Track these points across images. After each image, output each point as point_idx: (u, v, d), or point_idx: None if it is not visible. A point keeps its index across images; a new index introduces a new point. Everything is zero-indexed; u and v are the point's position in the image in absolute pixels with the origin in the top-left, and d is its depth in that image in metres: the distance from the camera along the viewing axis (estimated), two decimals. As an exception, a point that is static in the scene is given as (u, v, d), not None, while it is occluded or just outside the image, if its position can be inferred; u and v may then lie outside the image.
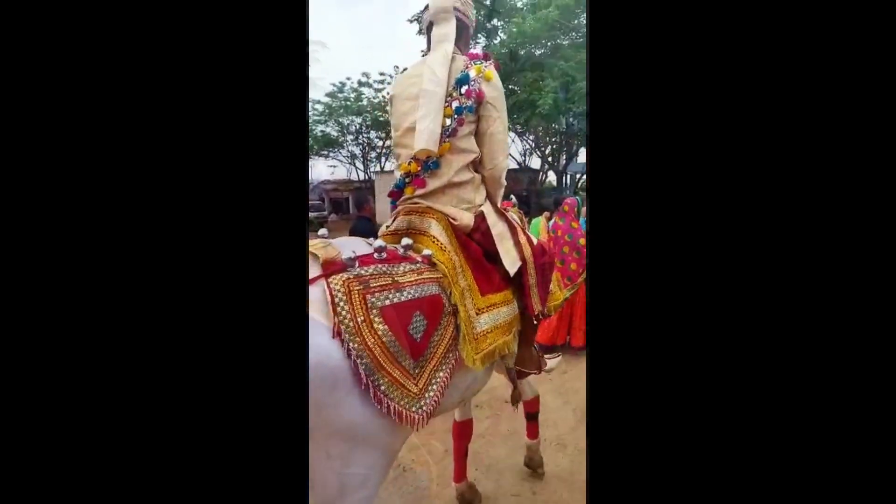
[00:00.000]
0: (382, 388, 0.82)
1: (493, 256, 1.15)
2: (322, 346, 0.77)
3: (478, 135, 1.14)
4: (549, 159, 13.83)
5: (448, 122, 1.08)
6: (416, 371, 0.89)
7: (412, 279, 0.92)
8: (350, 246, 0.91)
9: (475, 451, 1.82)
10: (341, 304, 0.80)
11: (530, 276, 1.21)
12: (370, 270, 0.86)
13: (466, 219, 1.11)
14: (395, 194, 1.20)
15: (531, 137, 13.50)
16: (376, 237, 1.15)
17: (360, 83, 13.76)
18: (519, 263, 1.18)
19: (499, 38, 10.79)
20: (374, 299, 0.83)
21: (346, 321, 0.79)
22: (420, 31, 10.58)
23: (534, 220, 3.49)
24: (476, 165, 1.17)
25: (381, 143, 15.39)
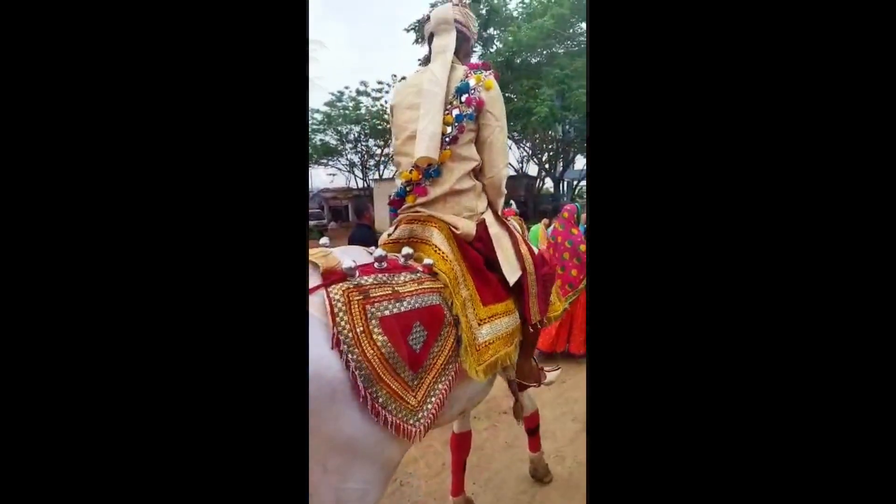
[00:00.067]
0: (381, 400, 0.81)
1: (495, 265, 1.14)
2: (321, 356, 0.76)
3: (478, 143, 1.15)
4: (546, 166, 13.92)
5: (449, 129, 1.08)
6: (415, 383, 0.87)
7: (412, 289, 0.90)
8: (350, 255, 0.90)
9: (473, 464, 1.79)
10: (340, 314, 0.79)
11: (530, 285, 1.20)
12: (370, 280, 0.85)
13: (468, 227, 1.11)
14: (396, 203, 1.20)
15: (528, 145, 13.60)
16: (376, 245, 1.15)
17: (359, 92, 13.90)
18: (519, 273, 1.17)
19: (494, 47, 10.92)
20: (373, 309, 0.82)
21: (346, 331, 0.78)
22: (416, 41, 10.72)
23: (533, 228, 3.49)
24: (477, 173, 1.18)
25: (379, 152, 15.48)
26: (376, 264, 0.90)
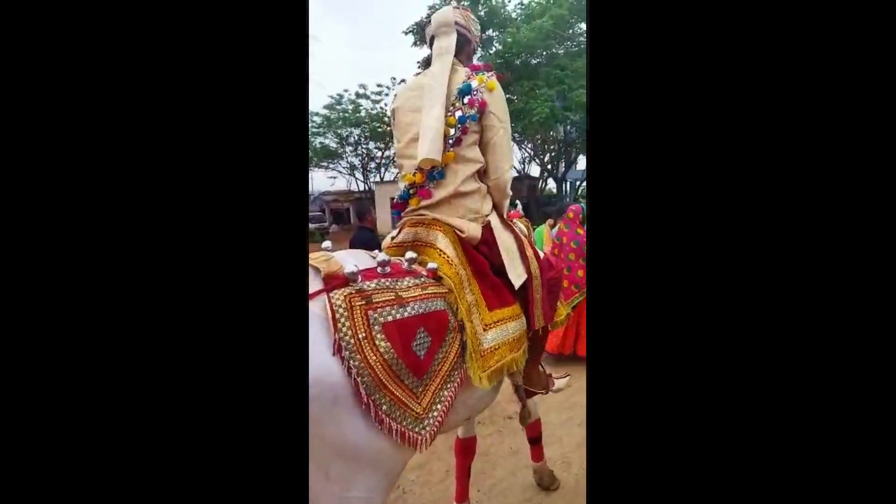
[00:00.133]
0: (384, 407, 0.79)
1: (501, 270, 1.12)
2: (322, 363, 0.74)
3: (481, 145, 1.14)
4: (549, 167, 13.92)
5: (452, 131, 1.07)
6: (420, 390, 0.86)
7: (416, 294, 0.89)
8: (353, 259, 0.89)
9: (477, 471, 1.75)
10: (342, 319, 0.77)
11: (535, 290, 1.18)
12: (373, 285, 0.84)
13: (474, 230, 1.09)
14: (400, 205, 1.18)
15: (529, 146, 13.60)
16: (379, 248, 1.13)
17: (358, 95, 13.95)
18: (524, 277, 1.15)
19: (494, 49, 10.94)
20: (376, 315, 0.81)
21: (347, 337, 0.77)
22: (415, 43, 10.75)
23: (537, 229, 3.47)
24: (481, 175, 1.16)
25: (380, 154, 15.51)
26: (379, 269, 0.88)
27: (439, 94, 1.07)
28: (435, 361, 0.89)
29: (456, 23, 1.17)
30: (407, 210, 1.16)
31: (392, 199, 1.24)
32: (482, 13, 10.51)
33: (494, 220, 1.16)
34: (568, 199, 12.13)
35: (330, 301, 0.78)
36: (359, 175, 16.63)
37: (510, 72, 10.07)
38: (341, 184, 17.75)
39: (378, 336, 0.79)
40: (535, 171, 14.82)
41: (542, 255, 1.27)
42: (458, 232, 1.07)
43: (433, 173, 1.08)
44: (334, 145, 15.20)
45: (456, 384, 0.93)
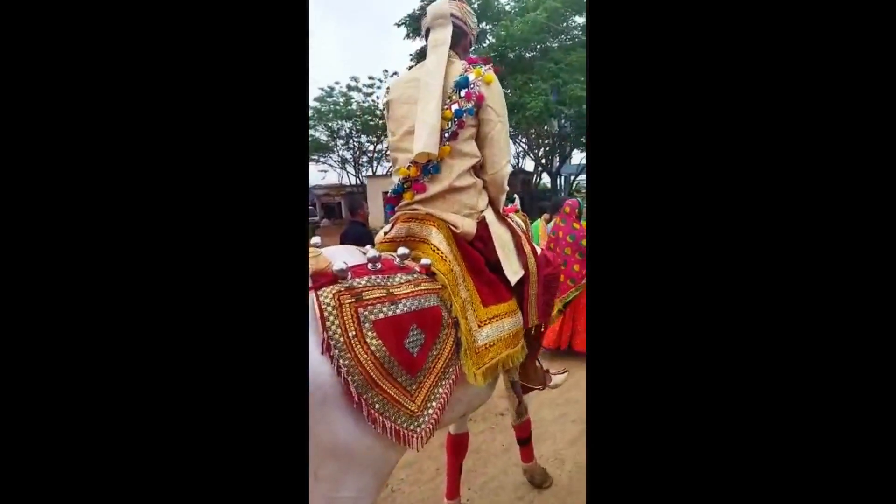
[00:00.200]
0: (377, 406, 0.78)
1: (497, 266, 1.11)
2: (311, 362, 0.72)
3: (478, 139, 1.11)
4: (543, 161, 13.92)
5: (448, 125, 1.05)
6: (414, 387, 0.85)
7: (408, 291, 0.87)
8: (342, 255, 0.87)
9: (469, 468, 1.73)
10: (331, 317, 0.75)
11: (531, 286, 1.17)
12: (363, 282, 0.82)
13: (468, 226, 1.07)
14: (394, 199, 1.16)
15: (523, 140, 13.58)
16: (371, 243, 1.11)
17: (349, 87, 13.76)
18: (521, 273, 1.14)
19: (487, 42, 10.85)
20: (366, 312, 0.79)
21: (336, 336, 0.75)
22: (408, 36, 10.62)
23: (533, 224, 3.47)
24: (477, 170, 1.14)
25: (372, 148, 15.37)
26: (370, 265, 0.86)
27: (436, 86, 1.04)
28: (429, 358, 0.88)
29: (452, 14, 1.14)
30: (401, 204, 1.14)
31: (385, 193, 1.21)
32: (476, 6, 10.40)
33: (490, 216, 1.14)
34: (563, 194, 12.17)
35: (318, 299, 0.76)
36: (350, 169, 16.49)
37: (504, 65, 10.01)
38: (332, 178, 17.59)
39: (369, 334, 0.78)
40: (529, 165, 14.82)
41: (539, 250, 1.26)
42: (452, 227, 1.05)
43: (428, 167, 1.06)
44: (325, 138, 15.00)
45: (451, 381, 0.92)
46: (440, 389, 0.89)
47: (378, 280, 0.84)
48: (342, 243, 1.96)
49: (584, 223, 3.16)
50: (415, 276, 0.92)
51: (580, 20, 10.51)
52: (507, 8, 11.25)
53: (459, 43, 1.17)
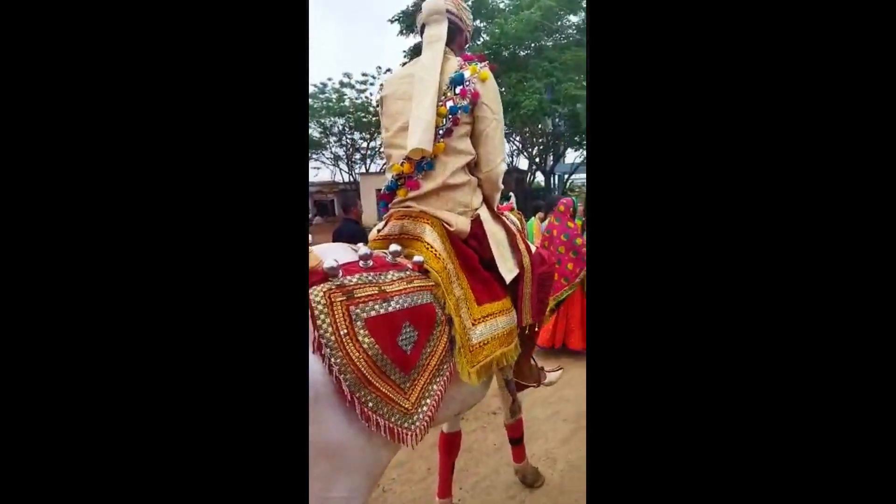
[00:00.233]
0: (370, 404, 0.77)
1: (491, 264, 1.10)
2: (302, 361, 0.72)
3: (473, 136, 1.11)
4: (537, 160, 13.95)
5: (443, 121, 1.04)
6: (408, 385, 0.84)
7: (401, 288, 0.86)
8: (333, 254, 0.86)
9: (460, 468, 1.71)
10: (322, 316, 0.74)
11: (526, 285, 1.16)
12: (354, 280, 0.81)
13: (462, 224, 1.06)
14: (387, 196, 1.15)
15: (518, 139, 13.59)
16: (364, 240, 1.10)
17: (342, 84, 13.66)
18: (516, 271, 1.14)
19: (482, 40, 10.83)
20: (358, 310, 0.78)
21: (328, 335, 0.74)
22: (401, 32, 10.56)
23: (528, 222, 3.47)
24: (472, 168, 1.13)
25: (365, 145, 15.28)
26: (361, 263, 0.85)
27: (430, 82, 1.03)
28: (423, 356, 0.87)
29: (447, 10, 1.13)
30: (394, 201, 1.13)
31: (378, 190, 1.20)
32: (470, 3, 10.37)
33: (484, 214, 1.13)
34: (556, 193, 12.21)
35: (309, 297, 0.75)
36: (343, 166, 16.38)
37: (498, 64, 9.99)
38: (325, 175, 17.46)
39: (361, 332, 0.77)
40: (523, 164, 14.85)
41: (533, 248, 1.26)
42: (446, 225, 1.04)
43: (422, 164, 1.05)
44: (317, 135, 14.88)
45: (446, 377, 0.92)
46: (435, 387, 0.89)
47: (370, 277, 0.83)
48: (335, 241, 1.93)
49: (578, 222, 3.17)
50: (407, 273, 0.91)
51: (574, 19, 10.53)
52: (502, 6, 11.24)
53: (455, 39, 1.16)
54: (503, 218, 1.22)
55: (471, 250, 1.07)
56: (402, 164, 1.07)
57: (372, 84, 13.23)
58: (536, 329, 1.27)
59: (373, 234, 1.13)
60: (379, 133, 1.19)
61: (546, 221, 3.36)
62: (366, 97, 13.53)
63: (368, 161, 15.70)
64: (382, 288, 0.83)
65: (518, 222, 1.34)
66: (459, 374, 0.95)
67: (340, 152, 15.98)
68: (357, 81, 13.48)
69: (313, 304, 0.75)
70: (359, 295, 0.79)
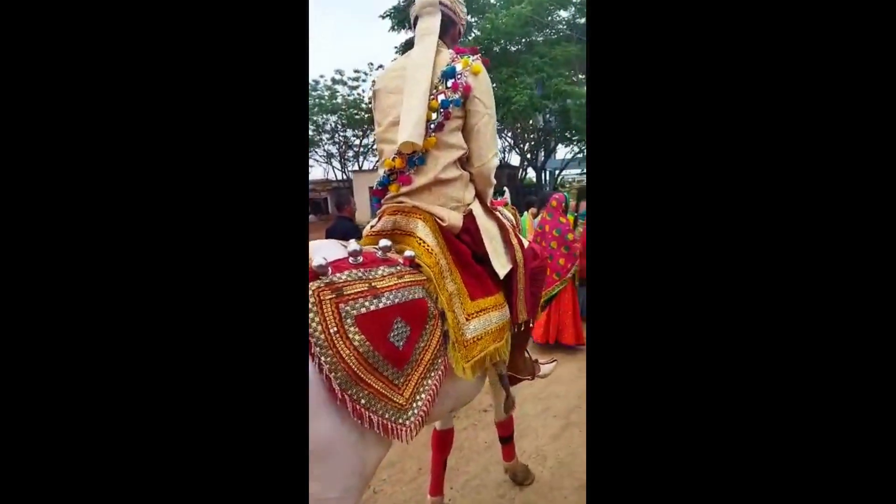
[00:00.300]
0: (363, 401, 0.77)
1: (483, 258, 1.10)
2: (293, 361, 0.71)
3: (465, 131, 1.10)
4: (528, 156, 13.96)
5: (434, 115, 1.03)
6: (401, 381, 0.84)
7: (391, 283, 0.86)
8: (322, 252, 0.85)
9: (451, 466, 1.69)
10: (310, 315, 0.74)
11: (519, 280, 1.16)
12: (344, 277, 0.80)
13: (454, 219, 1.06)
14: (380, 192, 1.14)
15: (509, 134, 13.58)
16: (358, 238, 1.09)
17: (335, 80, 13.54)
18: (509, 267, 1.13)
19: (472, 35, 10.78)
20: (348, 308, 0.77)
21: (317, 333, 0.74)
22: (392, 28, 10.47)
23: (521, 218, 3.48)
24: (463, 163, 1.13)
25: (358, 142, 15.18)
26: (350, 259, 0.85)
27: (422, 76, 1.02)
28: (416, 351, 0.87)
29: (441, 3, 1.12)
30: (386, 197, 1.12)
31: (371, 188, 1.19)
32: (461, -2, 10.29)
33: (477, 209, 1.13)
34: (548, 188, 12.24)
35: (308, 296, 0.74)
36: (336, 163, 16.27)
37: (490, 59, 9.93)
38: (318, 172, 17.33)
39: (351, 329, 0.77)
40: (515, 160, 14.85)
41: (526, 243, 1.25)
42: (438, 220, 1.04)
43: (413, 159, 1.04)
44: (310, 132, 14.75)
45: (440, 372, 0.91)
46: (429, 382, 0.89)
47: (359, 274, 0.83)
48: (328, 239, 1.92)
49: (570, 217, 3.18)
50: (398, 268, 0.90)
51: (565, 14, 10.51)
52: (493, 1, 11.18)
53: (448, 32, 1.15)
54: (496, 213, 1.22)
55: (464, 245, 1.07)
56: (393, 160, 1.06)
57: (364, 81, 13.14)
58: (531, 324, 1.27)
59: (366, 231, 1.13)
60: (372, 130, 1.18)
61: (538, 217, 3.36)
62: (358, 94, 13.44)
63: (361, 158, 15.61)
64: (372, 284, 0.83)
65: (512, 217, 1.34)
66: (454, 369, 0.94)
67: (333, 150, 15.88)
68: (349, 78, 13.39)
69: (302, 302, 0.74)
70: (348, 292, 0.79)
